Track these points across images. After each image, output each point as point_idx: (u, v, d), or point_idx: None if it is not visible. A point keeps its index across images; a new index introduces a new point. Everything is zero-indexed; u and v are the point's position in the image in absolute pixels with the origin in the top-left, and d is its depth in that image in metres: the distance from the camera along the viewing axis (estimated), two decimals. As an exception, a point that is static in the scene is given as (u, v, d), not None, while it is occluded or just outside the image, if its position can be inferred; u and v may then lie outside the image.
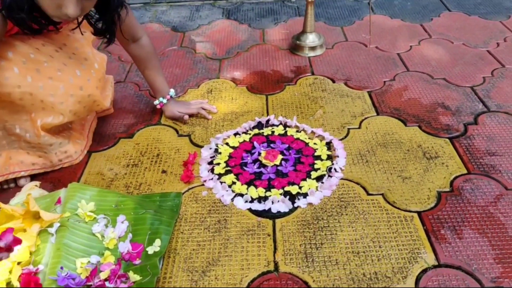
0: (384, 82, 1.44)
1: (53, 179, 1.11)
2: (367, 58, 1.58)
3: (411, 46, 1.65)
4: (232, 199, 1.03)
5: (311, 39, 1.63)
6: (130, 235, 0.92)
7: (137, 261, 0.87)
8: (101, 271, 0.84)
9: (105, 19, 1.01)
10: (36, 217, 0.92)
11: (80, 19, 1.00)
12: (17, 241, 0.85)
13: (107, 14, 1.00)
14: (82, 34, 1.07)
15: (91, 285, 0.82)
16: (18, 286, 0.82)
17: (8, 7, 0.84)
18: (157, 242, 0.90)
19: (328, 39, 1.72)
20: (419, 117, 1.27)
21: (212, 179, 1.09)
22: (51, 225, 0.91)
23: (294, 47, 1.65)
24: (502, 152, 1.14)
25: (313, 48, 1.62)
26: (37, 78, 0.98)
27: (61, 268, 0.84)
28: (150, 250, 0.89)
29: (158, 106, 1.30)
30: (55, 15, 0.87)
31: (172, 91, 1.29)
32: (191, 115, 1.30)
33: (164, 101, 1.28)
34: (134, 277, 0.83)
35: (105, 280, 0.82)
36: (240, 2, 2.10)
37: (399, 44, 1.67)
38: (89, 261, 0.86)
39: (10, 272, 0.83)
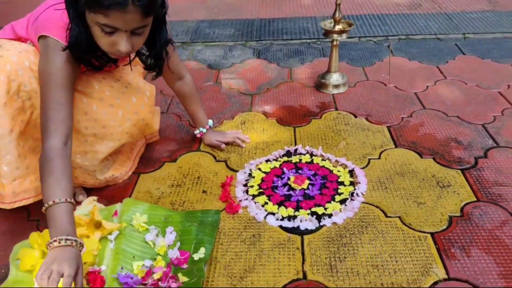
0: (402, 118, 1.58)
1: (107, 196, 1.27)
2: (387, 96, 1.73)
3: (427, 86, 1.80)
4: (265, 217, 1.17)
5: (335, 78, 1.79)
6: (178, 243, 1.07)
7: (184, 266, 1.01)
8: (154, 273, 0.98)
9: (153, 55, 1.16)
10: (97, 226, 1.07)
11: (132, 56, 1.17)
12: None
13: (155, 51, 1.14)
14: (131, 69, 1.25)
15: (146, 283, 0.96)
16: (85, 283, 0.96)
17: (72, 47, 1.00)
18: (202, 250, 1.04)
19: (350, 78, 1.88)
20: (434, 150, 1.41)
21: (247, 199, 1.23)
22: (110, 233, 1.07)
23: (319, 85, 1.81)
24: (509, 183, 1.26)
25: (336, 86, 1.78)
26: (101, 106, 1.15)
27: (121, 268, 0.98)
28: (196, 256, 1.03)
29: (198, 135, 1.46)
30: (110, 52, 1.02)
31: (210, 122, 1.45)
32: (227, 144, 1.45)
33: (204, 130, 1.44)
34: (182, 278, 0.97)
35: (158, 280, 0.96)
36: (269, 43, 2.29)
37: (416, 84, 1.82)
38: (143, 264, 1.01)
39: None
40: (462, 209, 1.17)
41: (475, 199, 1.21)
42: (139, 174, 1.35)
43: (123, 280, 0.95)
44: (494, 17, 2.45)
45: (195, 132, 1.46)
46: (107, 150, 1.19)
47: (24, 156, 1.09)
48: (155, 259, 1.03)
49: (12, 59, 1.03)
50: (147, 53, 1.16)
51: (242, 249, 1.08)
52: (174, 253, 1.04)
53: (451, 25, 2.37)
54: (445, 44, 2.19)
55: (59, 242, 0.88)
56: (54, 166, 0.95)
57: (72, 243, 0.89)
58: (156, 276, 0.97)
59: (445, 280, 0.98)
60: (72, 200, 0.95)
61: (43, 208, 0.93)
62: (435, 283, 0.98)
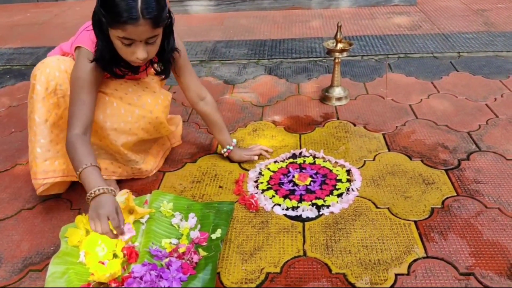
0: (396, 126, 1.78)
1: (137, 189, 1.48)
2: (384, 108, 1.93)
3: (421, 99, 1.99)
4: (272, 207, 1.37)
5: (337, 91, 1.99)
6: (199, 226, 1.27)
7: (204, 244, 1.21)
8: (179, 248, 1.18)
9: (162, 60, 1.36)
10: (130, 211, 1.28)
11: (147, 65, 1.38)
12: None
13: (163, 57, 1.34)
14: (146, 75, 1.45)
15: (173, 256, 1.16)
16: (121, 255, 1.16)
17: (98, 60, 1.24)
18: (219, 231, 1.24)
19: (352, 92, 2.08)
20: (422, 154, 1.59)
21: (257, 193, 1.43)
22: (142, 217, 1.27)
23: (323, 97, 2.02)
24: (486, 181, 1.44)
25: (339, 99, 1.99)
26: (120, 104, 1.37)
27: (152, 244, 1.19)
28: (214, 236, 1.23)
29: (226, 154, 1.59)
30: (130, 60, 1.23)
31: (234, 140, 1.60)
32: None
33: (231, 148, 1.57)
34: (202, 252, 1.17)
35: (182, 253, 1.16)
36: (279, 61, 2.51)
37: (412, 97, 2.01)
38: (170, 242, 1.21)
39: (116, 246, 1.19)
40: (443, 202, 1.36)
41: (455, 194, 1.39)
42: (164, 173, 1.56)
43: (154, 253, 1.15)
44: (488, 37, 2.64)
45: (222, 151, 1.58)
46: (126, 143, 1.39)
47: (56, 142, 1.33)
48: (179, 238, 1.23)
49: (52, 64, 1.29)
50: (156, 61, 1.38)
51: (252, 233, 1.28)
52: (195, 234, 1.24)
53: (447, 45, 2.57)
54: (441, 61, 2.39)
55: (94, 193, 1.11)
56: (77, 146, 1.18)
57: (104, 190, 1.12)
58: (180, 250, 1.17)
59: (424, 258, 1.17)
60: (97, 164, 1.17)
61: (76, 174, 1.16)
62: (415, 260, 1.16)
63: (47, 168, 1.31)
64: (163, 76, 1.43)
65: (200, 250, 1.18)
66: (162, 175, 1.55)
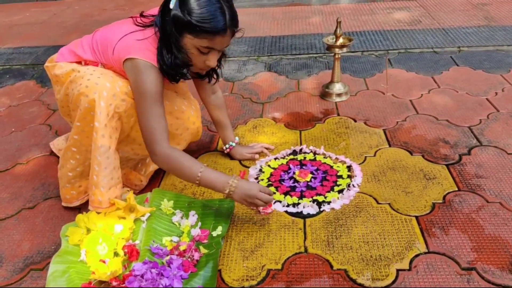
0: (397, 122, 1.77)
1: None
2: (384, 103, 1.93)
3: (422, 94, 1.99)
4: (273, 204, 1.36)
5: (337, 87, 1.99)
6: (199, 223, 1.27)
7: (205, 241, 1.21)
8: (180, 245, 1.18)
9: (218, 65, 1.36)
10: (131, 210, 1.28)
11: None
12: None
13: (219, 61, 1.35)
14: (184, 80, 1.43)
15: (174, 254, 1.15)
16: (122, 254, 1.16)
17: (170, 67, 1.22)
18: (219, 228, 1.24)
19: (352, 88, 2.07)
20: (423, 149, 1.59)
21: (257, 190, 1.42)
22: (143, 215, 1.27)
23: (324, 94, 2.01)
24: (487, 176, 1.43)
25: (339, 95, 1.98)
26: (170, 119, 1.38)
27: (153, 242, 1.18)
28: (214, 233, 1.23)
29: (227, 150, 1.59)
30: (200, 67, 1.26)
31: (237, 138, 1.60)
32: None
33: (233, 144, 1.58)
34: (203, 250, 1.17)
35: (183, 251, 1.16)
36: (279, 58, 2.51)
37: (412, 92, 2.01)
38: (171, 240, 1.21)
39: (117, 244, 1.19)
40: (444, 197, 1.35)
41: (456, 189, 1.38)
42: (164, 171, 1.56)
43: (155, 251, 1.15)
44: (488, 32, 2.63)
45: (224, 147, 1.59)
46: None
47: (118, 168, 1.28)
48: (180, 236, 1.23)
49: (107, 86, 1.21)
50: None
51: (253, 229, 1.27)
52: (196, 231, 1.23)
53: (447, 39, 2.56)
54: (441, 56, 2.38)
55: (231, 186, 1.21)
56: (179, 158, 1.24)
57: (236, 179, 1.22)
58: (181, 247, 1.17)
59: (425, 253, 1.16)
60: (205, 165, 1.25)
61: (196, 182, 1.22)
62: (417, 255, 1.16)
63: (111, 195, 1.27)
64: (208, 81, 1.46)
65: (201, 247, 1.18)
66: (162, 173, 1.54)
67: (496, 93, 1.95)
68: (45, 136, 1.83)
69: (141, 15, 1.30)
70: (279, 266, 1.15)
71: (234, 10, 1.20)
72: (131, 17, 1.30)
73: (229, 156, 1.60)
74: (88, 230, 1.22)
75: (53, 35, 3.17)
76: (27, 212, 1.40)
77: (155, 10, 1.28)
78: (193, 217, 1.29)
